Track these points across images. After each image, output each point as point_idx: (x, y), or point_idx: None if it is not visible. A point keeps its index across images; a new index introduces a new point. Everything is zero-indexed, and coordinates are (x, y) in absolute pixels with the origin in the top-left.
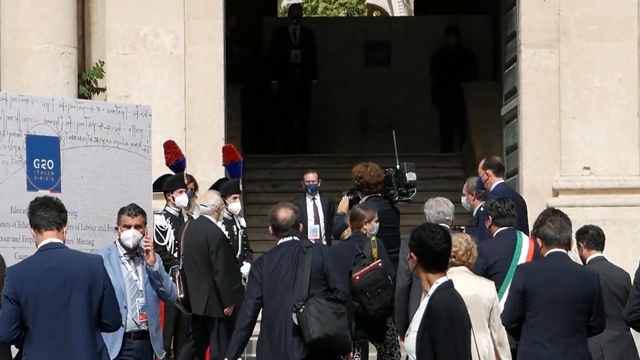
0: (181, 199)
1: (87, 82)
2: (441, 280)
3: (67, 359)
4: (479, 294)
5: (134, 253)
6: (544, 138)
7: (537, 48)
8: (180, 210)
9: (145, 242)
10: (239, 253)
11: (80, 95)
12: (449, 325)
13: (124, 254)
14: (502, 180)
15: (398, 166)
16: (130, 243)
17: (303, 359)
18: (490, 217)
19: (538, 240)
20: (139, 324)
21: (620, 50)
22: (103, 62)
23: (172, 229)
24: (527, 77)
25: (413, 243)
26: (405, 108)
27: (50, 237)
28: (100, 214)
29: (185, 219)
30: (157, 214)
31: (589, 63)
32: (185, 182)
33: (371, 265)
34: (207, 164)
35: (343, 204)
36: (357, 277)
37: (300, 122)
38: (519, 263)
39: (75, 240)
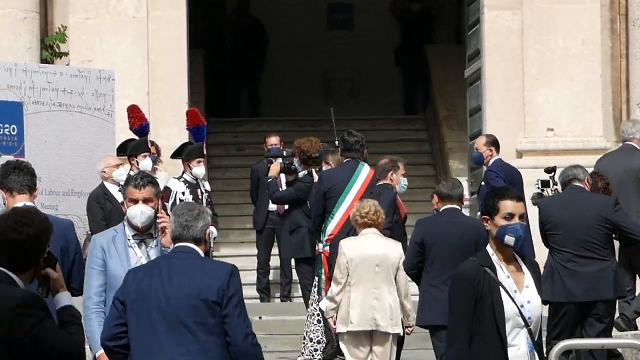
0: (145, 163)
1: (50, 47)
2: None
3: None
4: (387, 253)
5: (147, 234)
6: (507, 100)
7: (500, 10)
8: None
9: (160, 218)
10: None
11: (43, 60)
12: None
13: (133, 236)
14: (499, 156)
15: (337, 142)
16: (138, 221)
17: None
18: (340, 150)
19: (435, 196)
20: None
21: (583, 12)
22: (66, 27)
23: None
24: (490, 39)
25: None
26: (369, 71)
27: (23, 200)
28: (64, 179)
29: None
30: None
31: (551, 24)
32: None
33: None
34: (170, 128)
35: (274, 168)
36: None
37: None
38: (352, 189)
39: (39, 205)
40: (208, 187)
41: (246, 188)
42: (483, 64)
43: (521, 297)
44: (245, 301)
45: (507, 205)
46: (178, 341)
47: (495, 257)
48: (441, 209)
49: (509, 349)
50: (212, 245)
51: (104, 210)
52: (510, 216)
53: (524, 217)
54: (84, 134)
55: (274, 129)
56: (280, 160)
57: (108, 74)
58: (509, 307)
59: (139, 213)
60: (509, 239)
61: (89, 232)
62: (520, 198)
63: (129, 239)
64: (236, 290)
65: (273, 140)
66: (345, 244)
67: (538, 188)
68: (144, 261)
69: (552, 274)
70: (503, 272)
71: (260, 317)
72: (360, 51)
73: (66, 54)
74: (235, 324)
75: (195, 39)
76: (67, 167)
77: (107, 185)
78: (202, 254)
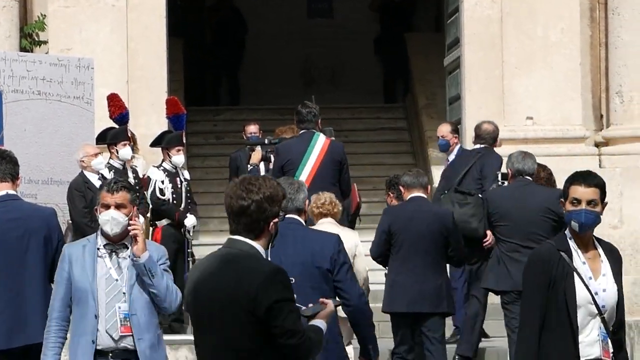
0: (125, 151)
1: (29, 36)
2: None
3: (21, 309)
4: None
5: (120, 244)
6: (486, 88)
7: None
8: (124, 163)
9: (132, 225)
10: (182, 205)
11: (22, 49)
12: None
13: (104, 245)
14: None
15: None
16: (108, 229)
17: None
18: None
19: (400, 187)
20: (117, 339)
21: (562, 0)
22: (45, 15)
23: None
24: (469, 27)
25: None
26: (348, 60)
27: (5, 189)
28: (44, 168)
29: (129, 172)
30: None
31: (531, 13)
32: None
33: None
34: (150, 117)
35: (255, 156)
36: None
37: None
38: (310, 159)
39: (19, 193)
40: (187, 176)
41: (225, 176)
42: (462, 52)
43: (596, 284)
44: None
45: (575, 190)
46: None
47: (572, 242)
48: (407, 198)
49: (580, 336)
50: (191, 234)
51: (85, 199)
52: (577, 202)
53: (593, 202)
54: (63, 122)
55: (254, 117)
56: (259, 148)
57: (87, 63)
58: (581, 294)
59: (109, 219)
60: (574, 225)
61: (69, 221)
62: (592, 184)
63: (98, 249)
64: (345, 257)
65: (252, 129)
66: None
67: (499, 181)
68: (113, 273)
69: (498, 264)
70: (579, 258)
71: None
72: (340, 40)
73: (45, 42)
74: (350, 286)
75: (175, 27)
76: (46, 156)
77: (87, 174)
78: (303, 223)
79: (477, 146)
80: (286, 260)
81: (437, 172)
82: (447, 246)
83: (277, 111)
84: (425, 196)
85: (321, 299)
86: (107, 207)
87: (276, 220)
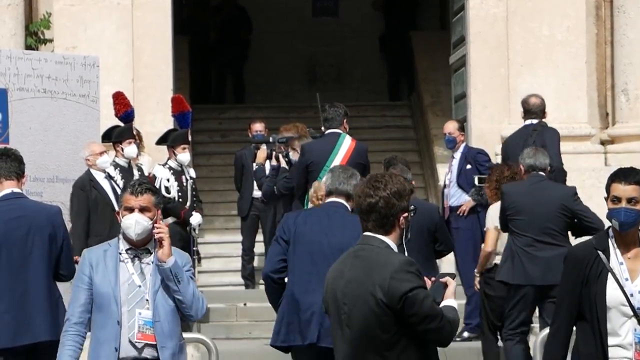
0: (130, 149)
1: (35, 34)
2: None
3: (26, 307)
4: None
5: (143, 248)
6: (492, 87)
7: None
8: (129, 161)
9: (158, 229)
10: (188, 204)
11: (28, 47)
12: None
13: (127, 250)
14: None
15: (323, 128)
16: (132, 233)
17: None
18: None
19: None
20: (139, 347)
21: None
22: (50, 14)
23: (121, 179)
24: (475, 25)
25: None
26: (353, 58)
27: (10, 187)
28: (49, 166)
29: (135, 170)
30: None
31: (536, 11)
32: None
33: None
34: (155, 115)
35: (261, 155)
36: None
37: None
38: (335, 161)
39: (24, 191)
40: (193, 174)
41: (231, 175)
42: (468, 50)
43: (632, 285)
44: (230, 288)
45: (615, 188)
46: None
47: (612, 241)
48: None
49: (612, 338)
50: (197, 232)
51: (88, 198)
52: (617, 200)
53: (634, 200)
54: (68, 120)
55: (259, 115)
56: (264, 146)
57: (93, 61)
58: (613, 295)
59: (133, 223)
60: (614, 223)
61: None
62: (633, 181)
63: (120, 253)
64: None
65: (257, 127)
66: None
67: (476, 184)
68: (136, 279)
69: (513, 257)
70: (617, 258)
71: (244, 304)
72: (345, 38)
73: (51, 40)
74: None
75: (180, 25)
76: (51, 154)
77: (93, 172)
78: (350, 209)
79: (529, 122)
80: (333, 241)
81: (442, 170)
82: (436, 241)
83: (282, 109)
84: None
85: (441, 278)
86: (131, 210)
87: (405, 214)
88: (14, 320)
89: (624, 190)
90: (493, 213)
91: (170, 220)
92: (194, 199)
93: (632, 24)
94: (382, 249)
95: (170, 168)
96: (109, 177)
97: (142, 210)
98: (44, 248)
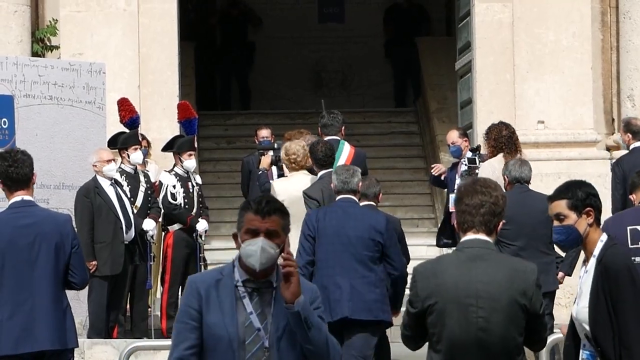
0: (136, 156)
1: (41, 40)
2: (604, 237)
3: (30, 315)
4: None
5: (264, 281)
6: (498, 92)
7: (490, 2)
8: (135, 167)
9: (286, 262)
10: (194, 210)
11: (34, 54)
12: (631, 283)
13: (244, 281)
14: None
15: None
16: (255, 262)
17: None
18: (319, 128)
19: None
20: None
21: (573, 4)
22: (56, 20)
23: (127, 186)
24: (480, 31)
25: (591, 198)
26: (359, 63)
27: (21, 195)
28: (55, 172)
29: (141, 176)
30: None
31: (542, 17)
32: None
33: None
34: (161, 122)
35: (265, 161)
36: None
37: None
38: (337, 164)
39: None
40: (199, 180)
41: (237, 181)
42: (474, 56)
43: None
44: None
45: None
46: (355, 267)
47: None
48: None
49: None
50: (203, 239)
51: (92, 205)
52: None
53: (559, 217)
54: (74, 127)
55: (265, 121)
56: (271, 152)
57: (99, 67)
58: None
59: (258, 250)
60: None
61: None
62: (554, 197)
63: (237, 286)
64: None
65: (264, 133)
66: (277, 185)
67: (465, 166)
68: (255, 320)
69: None
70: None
71: None
72: (350, 44)
73: (57, 47)
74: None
75: (186, 31)
76: (58, 161)
77: (99, 178)
78: (357, 202)
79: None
80: (350, 233)
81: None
82: (379, 250)
83: (288, 115)
84: (375, 204)
85: None
86: (255, 233)
87: (501, 223)
88: (18, 327)
89: (551, 207)
90: (490, 167)
91: (176, 226)
92: (200, 205)
93: (638, 29)
94: (502, 253)
95: (177, 174)
96: (116, 183)
97: (269, 234)
98: (50, 256)
